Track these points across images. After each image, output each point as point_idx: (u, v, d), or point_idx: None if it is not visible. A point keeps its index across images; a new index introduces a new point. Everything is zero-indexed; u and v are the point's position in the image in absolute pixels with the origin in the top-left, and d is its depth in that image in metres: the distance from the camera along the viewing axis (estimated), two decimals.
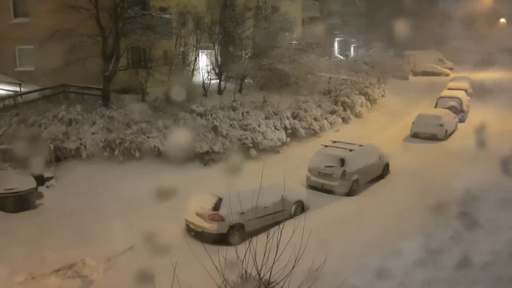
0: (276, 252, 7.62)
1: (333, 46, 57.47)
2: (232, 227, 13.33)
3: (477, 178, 15.70)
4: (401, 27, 38.21)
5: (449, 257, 11.10)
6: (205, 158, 20.06)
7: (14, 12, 26.33)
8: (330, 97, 29.96)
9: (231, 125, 21.99)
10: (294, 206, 15.17)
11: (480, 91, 35.96)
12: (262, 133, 22.15)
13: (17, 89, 23.55)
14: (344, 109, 29.48)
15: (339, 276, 9.14)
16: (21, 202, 15.25)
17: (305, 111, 25.99)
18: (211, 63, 28.05)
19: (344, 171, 17.10)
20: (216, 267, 7.60)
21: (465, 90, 33.48)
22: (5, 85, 24.20)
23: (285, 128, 23.80)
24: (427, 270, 10.72)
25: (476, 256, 11.06)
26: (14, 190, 15.33)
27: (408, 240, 12.16)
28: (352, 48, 62.62)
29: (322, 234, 10.34)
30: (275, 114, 24.35)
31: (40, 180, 16.64)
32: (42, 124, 19.19)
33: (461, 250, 11.41)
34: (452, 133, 26.14)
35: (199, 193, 14.18)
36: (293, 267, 7.62)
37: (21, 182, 15.82)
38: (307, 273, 7.89)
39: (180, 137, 19.99)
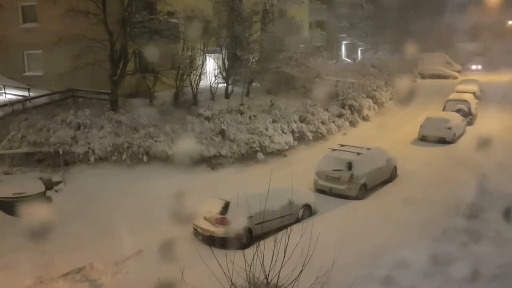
0: (284, 256, 7.61)
1: (340, 49, 57.37)
2: (239, 231, 13.32)
3: (486, 184, 15.51)
4: (409, 30, 38.16)
5: (456, 268, 10.97)
6: (213, 162, 20.08)
7: (23, 17, 26.57)
8: (337, 100, 29.89)
9: (238, 128, 21.99)
10: (302, 210, 15.12)
11: (489, 94, 35.78)
12: (270, 137, 22.12)
13: (26, 93, 23.75)
14: (352, 113, 29.42)
15: (345, 283, 9.11)
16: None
17: (313, 114, 25.96)
18: (218, 67, 28.09)
19: (352, 174, 17.03)
20: (224, 272, 7.60)
21: (474, 93, 33.30)
22: (14, 89, 24.41)
23: (293, 132, 23.77)
24: (434, 281, 10.61)
25: (483, 267, 10.93)
26: (22, 195, 15.40)
27: (414, 249, 12.02)
28: (359, 51, 62.45)
29: (329, 238, 10.31)
30: (283, 118, 24.32)
31: (49, 184, 16.71)
32: (51, 128, 19.28)
33: (469, 260, 11.27)
34: (460, 136, 25.98)
35: (207, 197, 14.18)
36: (300, 272, 7.60)
37: (30, 186, 15.91)
38: (314, 278, 7.87)
39: (187, 141, 20.01)
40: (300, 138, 24.15)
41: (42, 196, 15.88)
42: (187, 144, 19.70)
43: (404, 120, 29.96)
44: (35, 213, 15.24)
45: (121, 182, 17.79)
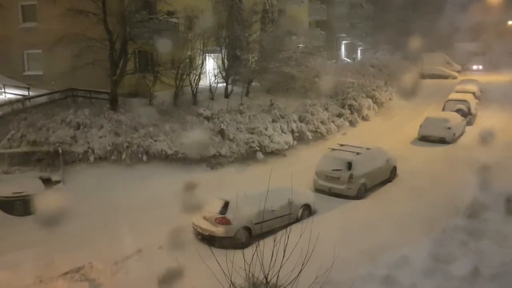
0: (283, 256, 7.61)
1: (340, 49, 57.33)
2: (239, 231, 13.33)
3: (485, 183, 15.52)
4: (409, 30, 38.11)
5: (457, 267, 10.98)
6: (212, 161, 20.07)
7: (23, 16, 26.55)
8: (337, 100, 29.88)
9: (238, 128, 21.98)
10: (301, 209, 15.12)
11: (489, 94, 35.77)
12: (269, 137, 22.11)
13: (26, 93, 23.74)
14: (351, 112, 29.42)
15: (345, 283, 9.11)
16: (29, 206, 15.29)
17: (312, 114, 25.95)
18: (218, 67, 28.06)
19: (351, 174, 17.01)
20: (223, 271, 7.60)
21: (473, 93, 33.30)
22: (14, 89, 24.40)
23: (292, 132, 23.75)
24: (435, 279, 10.61)
25: (483, 266, 10.93)
26: (22, 194, 15.42)
27: (414, 248, 12.03)
28: (359, 51, 62.43)
29: (329, 238, 10.31)
30: (282, 118, 24.31)
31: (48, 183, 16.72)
32: (50, 128, 19.26)
33: (469, 259, 11.28)
34: (460, 136, 25.98)
35: (206, 197, 14.16)
36: (300, 271, 7.60)
37: (29, 185, 15.91)
38: (313, 278, 7.86)
39: (187, 140, 20.00)
40: (300, 137, 24.14)
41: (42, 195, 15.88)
42: (186, 144, 19.71)
43: (403, 120, 29.96)
44: (35, 212, 15.38)
45: (121, 181, 17.77)
